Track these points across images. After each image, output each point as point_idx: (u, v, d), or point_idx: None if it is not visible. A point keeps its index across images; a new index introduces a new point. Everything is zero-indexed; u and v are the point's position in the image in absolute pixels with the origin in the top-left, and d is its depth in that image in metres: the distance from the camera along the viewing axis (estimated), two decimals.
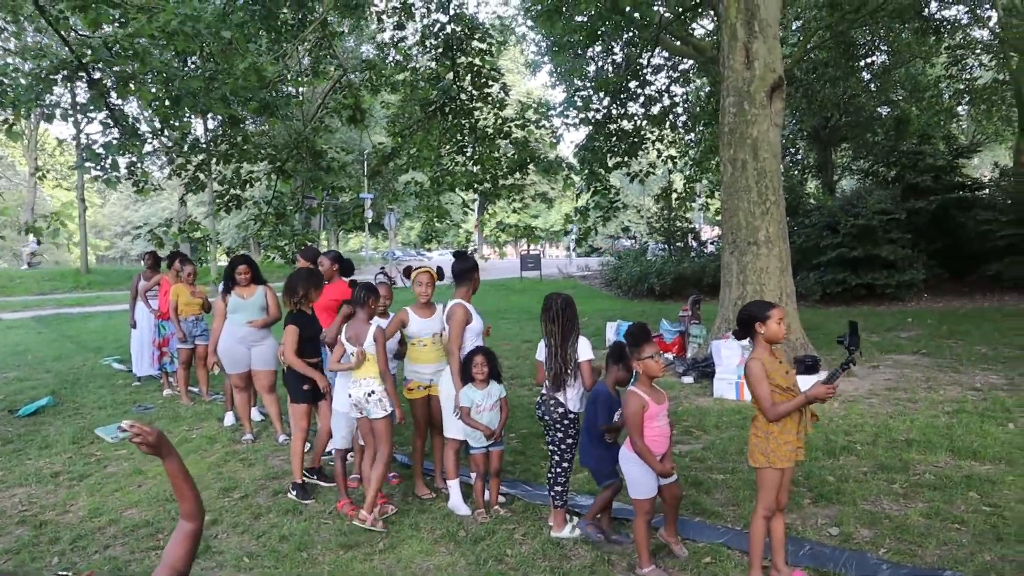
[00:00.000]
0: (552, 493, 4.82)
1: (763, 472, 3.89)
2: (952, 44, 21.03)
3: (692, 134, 19.57)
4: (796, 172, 25.32)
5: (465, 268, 5.47)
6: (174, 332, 9.36)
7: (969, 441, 6.25)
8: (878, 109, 22.67)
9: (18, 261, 43.75)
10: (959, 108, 24.44)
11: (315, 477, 5.97)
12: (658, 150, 17.48)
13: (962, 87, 23.30)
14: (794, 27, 19.47)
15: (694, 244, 24.01)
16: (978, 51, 22.00)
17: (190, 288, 9.01)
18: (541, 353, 4.92)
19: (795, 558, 4.17)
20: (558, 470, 4.78)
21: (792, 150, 25.38)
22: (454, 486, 5.35)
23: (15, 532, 5.24)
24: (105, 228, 73.82)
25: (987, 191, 19.19)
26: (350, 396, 5.13)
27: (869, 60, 21.61)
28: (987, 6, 21.01)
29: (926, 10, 18.02)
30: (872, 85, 21.85)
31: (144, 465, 6.61)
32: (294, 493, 5.64)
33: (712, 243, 23.62)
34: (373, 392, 5.04)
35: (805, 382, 5.09)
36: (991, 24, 21.48)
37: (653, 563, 4.18)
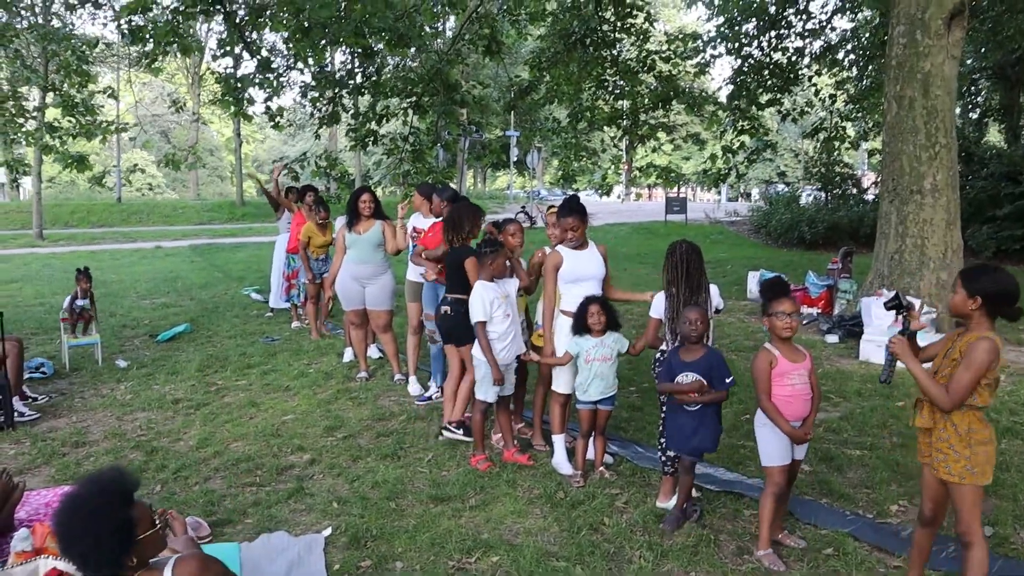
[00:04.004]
0: (664, 458, 4.41)
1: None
2: None
3: (854, 69, 17.91)
4: (974, 115, 22.93)
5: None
6: (302, 266, 9.46)
7: None
8: None
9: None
10: None
11: (460, 432, 5.51)
12: (815, 86, 16.12)
13: None
14: None
15: (853, 191, 22.35)
16: None
17: (322, 230, 8.99)
18: (658, 308, 4.46)
19: (935, 561, 3.57)
20: None
21: (971, 90, 22.97)
22: (559, 441, 5.02)
23: (129, 456, 5.35)
24: (265, 163, 77.24)
25: None
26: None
27: None
28: None
29: None
30: None
31: (259, 398, 6.67)
32: (460, 431, 5.40)
33: (870, 191, 21.85)
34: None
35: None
36: None
37: (771, 548, 3.72)
